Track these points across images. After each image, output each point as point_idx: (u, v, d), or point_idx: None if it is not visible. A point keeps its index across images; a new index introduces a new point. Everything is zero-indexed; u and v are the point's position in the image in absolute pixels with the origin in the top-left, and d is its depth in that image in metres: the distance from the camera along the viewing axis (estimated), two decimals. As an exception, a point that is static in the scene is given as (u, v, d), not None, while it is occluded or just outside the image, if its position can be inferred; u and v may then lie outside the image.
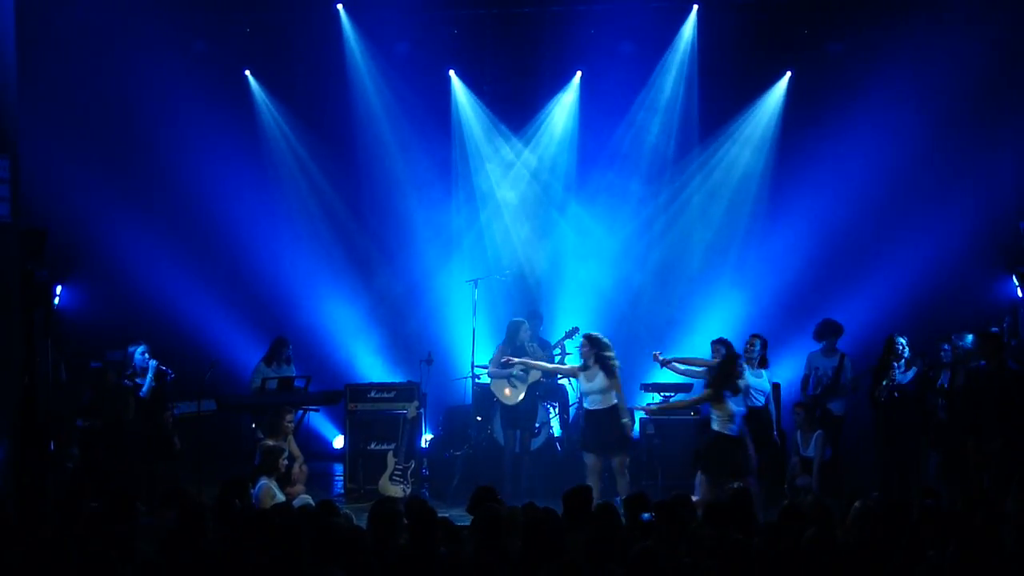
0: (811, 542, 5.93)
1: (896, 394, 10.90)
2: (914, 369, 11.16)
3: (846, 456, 12.09)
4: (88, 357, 12.25)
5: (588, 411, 10.93)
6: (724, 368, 10.48)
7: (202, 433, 11.65)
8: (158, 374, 11.62)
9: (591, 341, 10.83)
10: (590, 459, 10.76)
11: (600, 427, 10.70)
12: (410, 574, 6.02)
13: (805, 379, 12.31)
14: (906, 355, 11.07)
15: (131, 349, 11.59)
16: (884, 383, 11.04)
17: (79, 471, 11.47)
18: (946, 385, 10.99)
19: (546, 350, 12.61)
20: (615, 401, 10.71)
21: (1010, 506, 7.01)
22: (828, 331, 12.23)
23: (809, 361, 12.36)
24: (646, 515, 6.95)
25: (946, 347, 11.25)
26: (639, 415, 12.28)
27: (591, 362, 10.74)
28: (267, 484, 9.34)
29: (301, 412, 12.32)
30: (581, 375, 10.87)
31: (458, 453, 12.56)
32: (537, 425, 12.48)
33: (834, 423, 12.03)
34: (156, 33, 13.96)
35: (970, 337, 11.08)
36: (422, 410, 12.60)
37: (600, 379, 10.70)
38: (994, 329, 11.28)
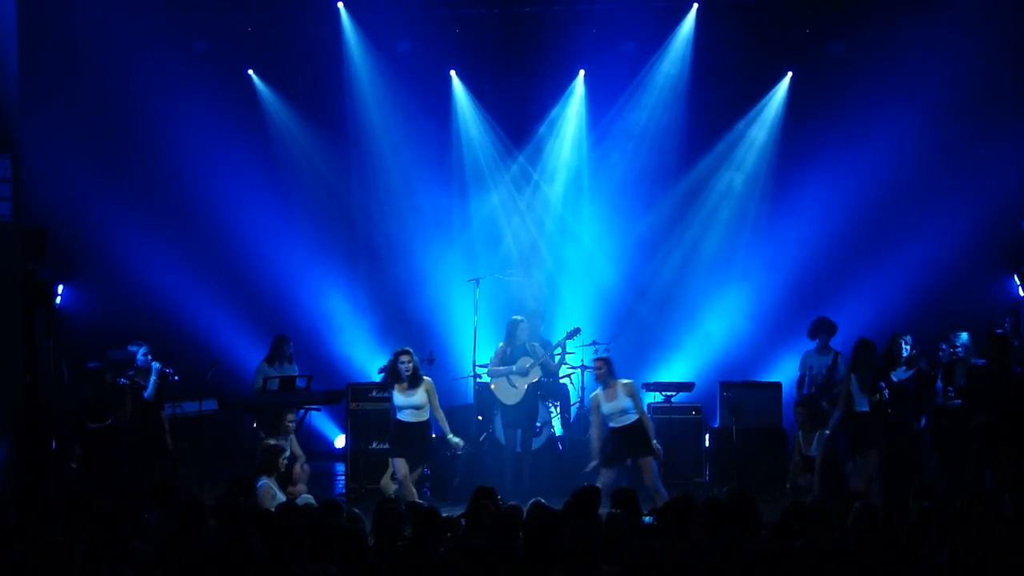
0: (810, 543, 5.93)
1: (887, 395, 10.85)
2: (915, 369, 11.14)
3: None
4: (90, 357, 12.26)
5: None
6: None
7: (204, 433, 11.65)
8: (161, 375, 11.63)
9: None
10: None
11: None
12: (410, 573, 6.03)
13: (800, 380, 12.35)
14: (913, 354, 11.02)
15: (132, 349, 11.59)
16: (882, 385, 11.01)
17: (82, 471, 11.48)
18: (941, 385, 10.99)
19: (547, 349, 12.61)
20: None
21: (1008, 506, 7.00)
22: (821, 329, 12.28)
23: (803, 361, 12.42)
24: (647, 518, 6.97)
25: (944, 347, 11.25)
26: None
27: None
28: (267, 484, 9.36)
29: (303, 411, 12.33)
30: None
31: (459, 452, 12.55)
32: (538, 424, 12.48)
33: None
34: (158, 32, 14.00)
35: (965, 335, 11.07)
36: (423, 409, 12.58)
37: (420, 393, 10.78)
38: (999, 331, 11.25)
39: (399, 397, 10.81)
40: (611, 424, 10.83)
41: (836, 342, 12.43)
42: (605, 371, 10.82)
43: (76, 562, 5.76)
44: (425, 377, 10.93)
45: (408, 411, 10.78)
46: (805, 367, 12.36)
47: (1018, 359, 11.51)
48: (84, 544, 6.02)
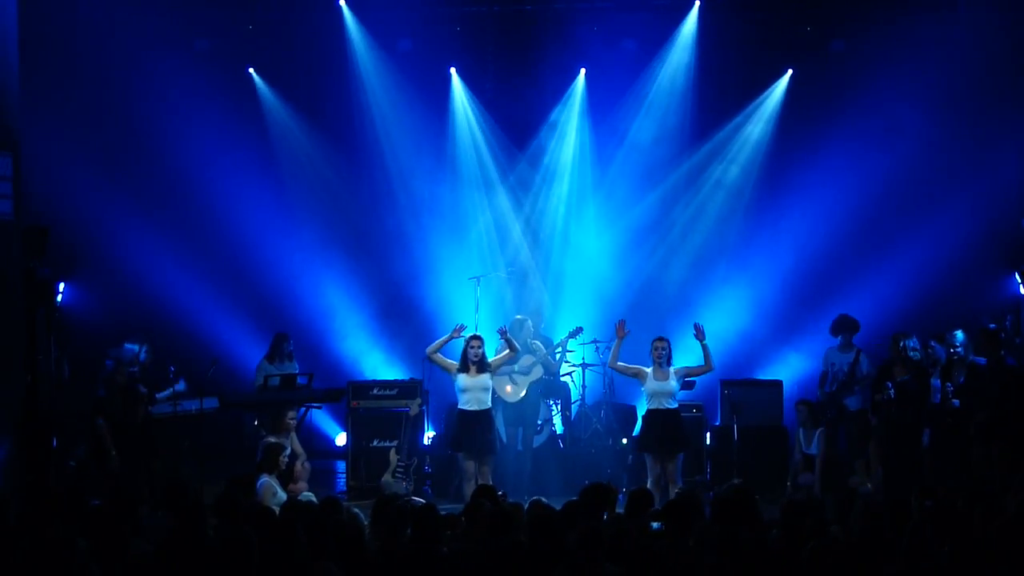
0: (817, 543, 5.93)
1: (892, 394, 10.86)
2: (915, 369, 11.13)
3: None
4: (91, 355, 12.24)
5: None
6: None
7: (204, 431, 11.65)
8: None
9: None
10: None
11: None
12: (411, 572, 6.03)
13: (823, 376, 12.35)
14: (917, 357, 11.01)
15: (130, 347, 11.54)
16: (888, 385, 11.00)
17: (85, 468, 11.46)
18: (939, 383, 11.00)
19: (549, 347, 12.61)
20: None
21: (1010, 504, 7.00)
22: (843, 327, 12.28)
23: (826, 357, 12.41)
24: (655, 524, 6.97)
25: (934, 344, 11.25)
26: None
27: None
28: (268, 481, 9.36)
29: (303, 409, 12.33)
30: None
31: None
32: (539, 422, 12.48)
33: (850, 419, 12.07)
34: (159, 31, 13.98)
35: (960, 334, 11.07)
36: (424, 407, 12.61)
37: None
38: (991, 326, 11.27)
39: (467, 380, 10.89)
40: (650, 405, 10.83)
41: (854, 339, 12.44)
42: (669, 352, 10.85)
43: (78, 560, 5.75)
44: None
45: (475, 394, 10.85)
46: (828, 363, 12.36)
47: (1019, 356, 11.52)
48: (86, 541, 6.01)
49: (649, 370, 10.86)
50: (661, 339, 10.96)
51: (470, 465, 10.84)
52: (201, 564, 5.90)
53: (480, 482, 10.42)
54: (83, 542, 5.87)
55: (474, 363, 10.89)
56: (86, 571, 5.75)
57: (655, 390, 10.78)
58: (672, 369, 10.86)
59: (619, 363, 10.98)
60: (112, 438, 11.09)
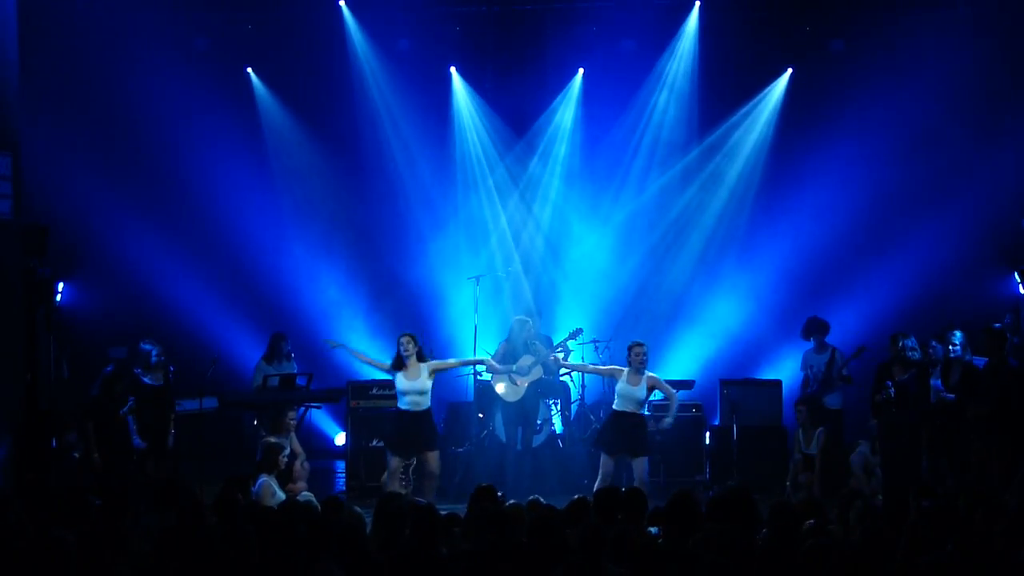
0: (811, 540, 5.93)
1: (892, 393, 10.86)
2: (914, 368, 11.12)
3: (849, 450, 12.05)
4: (90, 355, 12.23)
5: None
6: None
7: (204, 430, 11.65)
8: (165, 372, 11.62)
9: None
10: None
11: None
12: (411, 572, 6.02)
13: (805, 380, 12.42)
14: (915, 357, 11.00)
15: (144, 347, 11.52)
16: (888, 384, 10.99)
17: (82, 467, 11.45)
18: (939, 384, 11.00)
19: (549, 347, 12.59)
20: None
21: (1010, 503, 7.00)
22: (813, 329, 12.43)
23: (804, 361, 12.54)
24: (654, 529, 6.95)
25: (935, 344, 11.25)
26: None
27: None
28: (267, 481, 9.35)
29: (303, 409, 12.33)
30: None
31: (460, 450, 12.56)
32: (539, 422, 12.48)
33: (832, 417, 12.10)
34: (158, 30, 14.00)
35: (959, 334, 11.07)
36: (423, 406, 12.58)
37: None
38: (996, 325, 11.27)
39: (403, 381, 10.87)
40: (616, 406, 10.80)
41: (835, 339, 12.48)
42: (645, 358, 10.79)
43: (71, 555, 5.73)
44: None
45: (410, 397, 10.82)
46: (806, 367, 12.49)
47: (1018, 355, 11.51)
48: (78, 535, 5.99)
49: (625, 370, 10.86)
50: (639, 344, 10.92)
51: (396, 462, 10.88)
52: (200, 562, 5.90)
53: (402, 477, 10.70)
54: (71, 537, 5.86)
55: (406, 360, 10.82)
56: (77, 567, 5.75)
57: (624, 392, 10.75)
58: (647, 375, 10.80)
59: (589, 367, 11.23)
60: (99, 439, 11.04)
